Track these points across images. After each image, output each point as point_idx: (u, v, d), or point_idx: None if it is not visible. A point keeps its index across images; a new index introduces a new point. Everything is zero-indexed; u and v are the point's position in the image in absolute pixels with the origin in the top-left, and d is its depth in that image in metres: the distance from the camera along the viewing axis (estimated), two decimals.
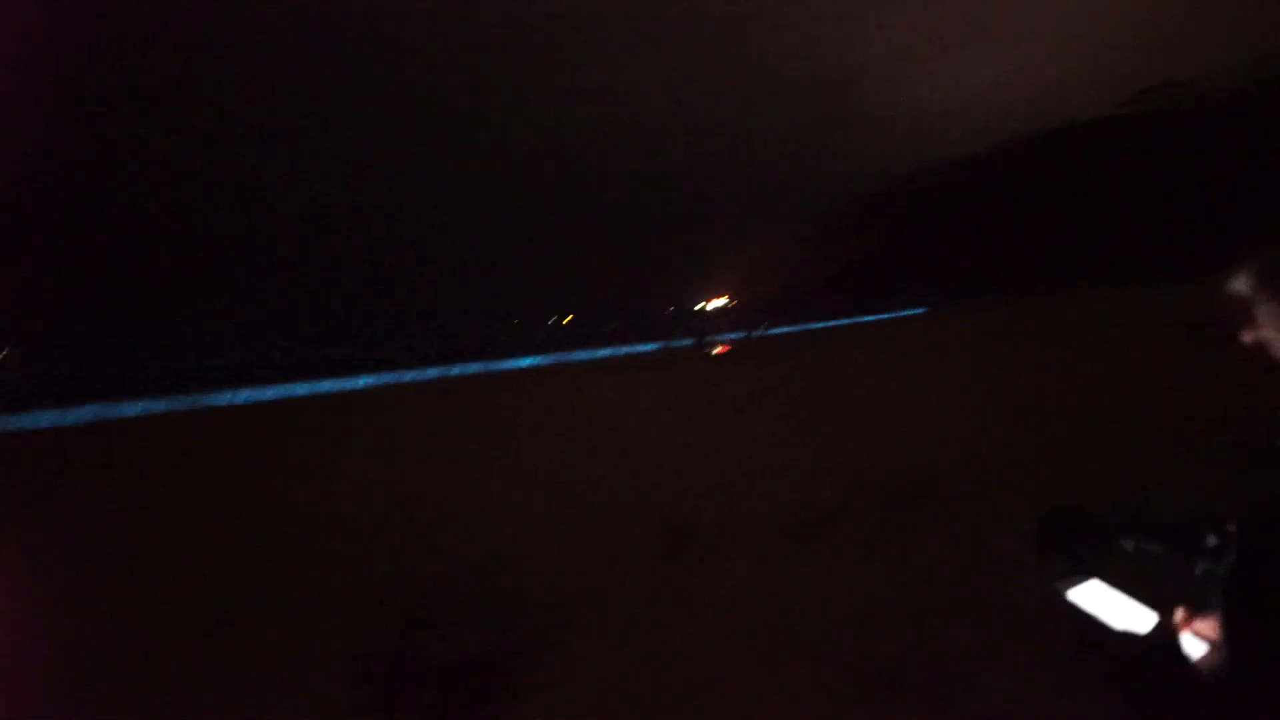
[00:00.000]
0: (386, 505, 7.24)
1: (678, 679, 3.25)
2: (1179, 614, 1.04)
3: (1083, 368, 11.49)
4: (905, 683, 3.00)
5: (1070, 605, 1.12)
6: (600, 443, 9.73)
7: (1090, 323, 19.72)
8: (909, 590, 3.89)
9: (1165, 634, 1.05)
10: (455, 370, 39.32)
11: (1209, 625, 1.00)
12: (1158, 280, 33.83)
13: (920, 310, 55.37)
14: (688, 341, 45.79)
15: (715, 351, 36.60)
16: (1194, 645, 1.02)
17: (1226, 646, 0.95)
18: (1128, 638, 1.09)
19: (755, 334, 49.78)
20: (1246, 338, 1.00)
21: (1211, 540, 0.99)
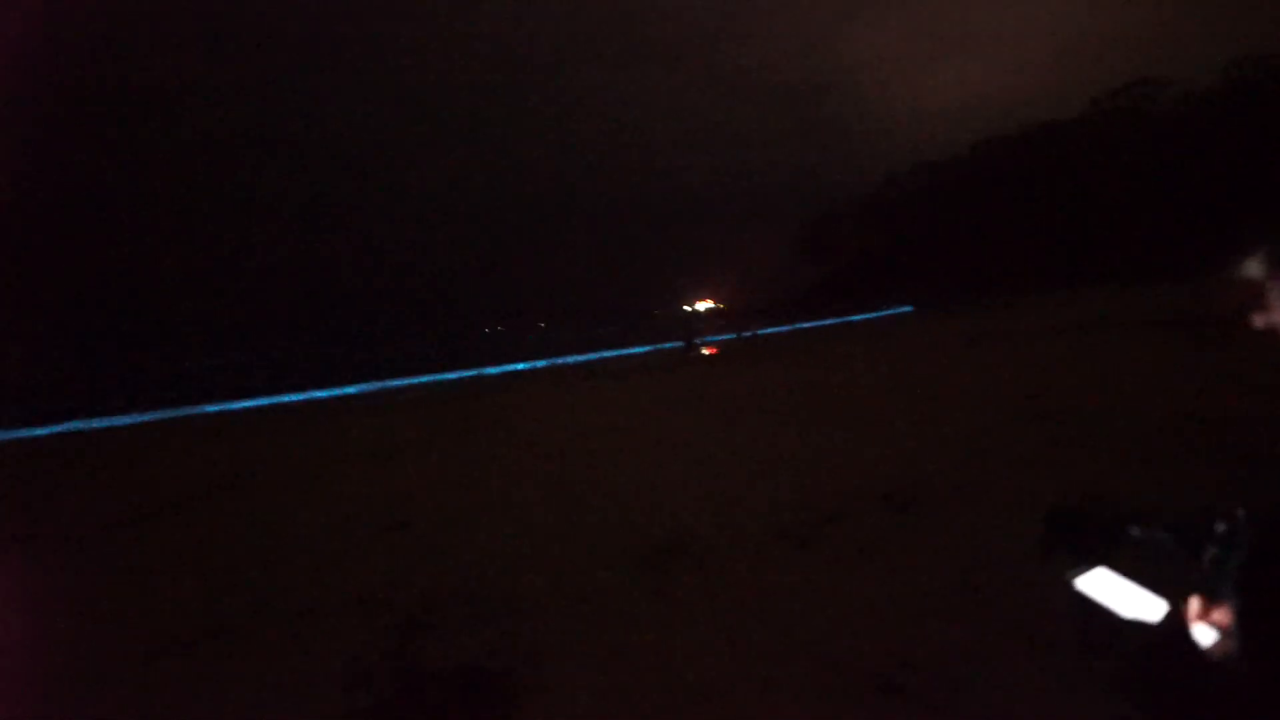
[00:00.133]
0: (382, 511, 7.25)
1: (675, 684, 3.28)
2: (1189, 602, 1.04)
3: (1075, 366, 11.56)
4: (903, 686, 3.04)
5: (1070, 605, 1.13)
6: (593, 445, 9.75)
7: (1082, 321, 19.80)
8: (906, 593, 3.93)
9: (1175, 622, 1.05)
10: (446, 375, 39.18)
11: (1219, 613, 1.00)
12: (1148, 279, 34.01)
13: (908, 309, 55.55)
14: (677, 343, 45.73)
15: (705, 352, 36.60)
16: (1204, 633, 1.01)
17: (1237, 634, 0.96)
18: (1136, 626, 1.07)
19: (744, 335, 49.77)
20: (1259, 323, 1.02)
21: (1220, 527, 1.01)
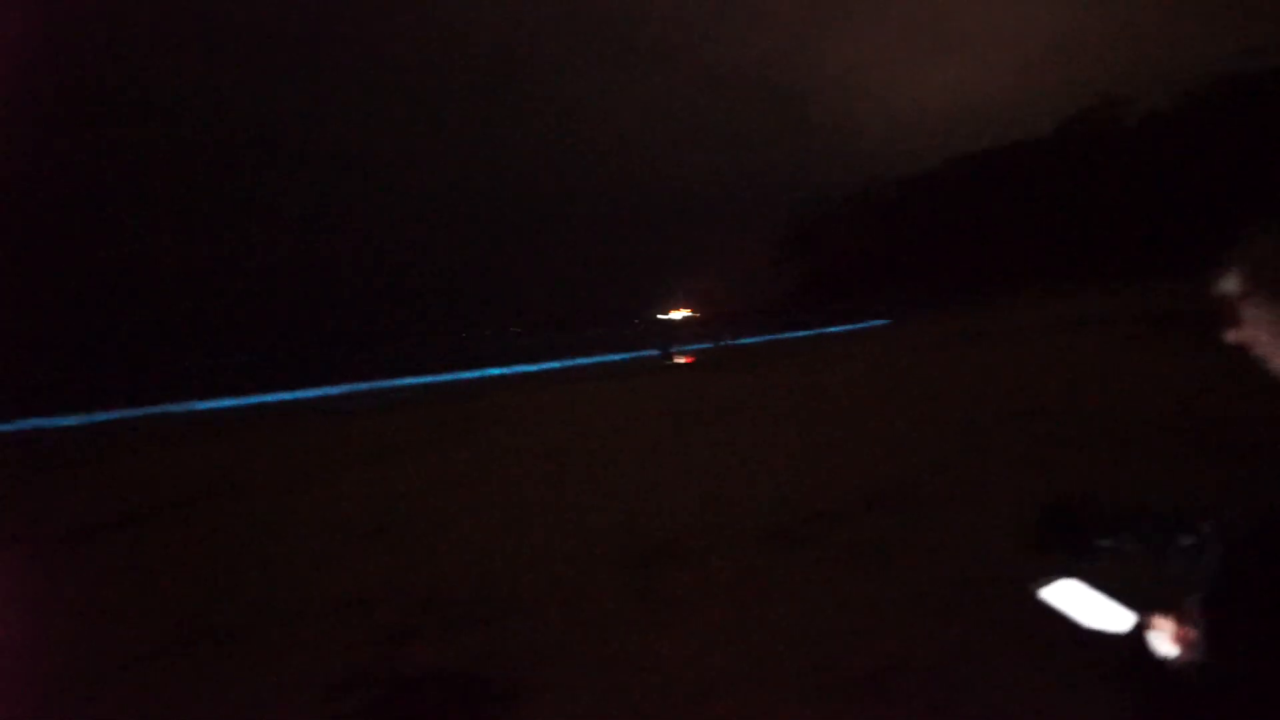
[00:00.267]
0: (371, 513, 7.19)
1: (668, 687, 3.28)
2: (1154, 613, 1.04)
3: (1065, 366, 11.73)
4: (896, 686, 3.04)
5: (1051, 605, 1.13)
6: (582, 449, 9.73)
7: (1062, 323, 20.04)
8: (898, 594, 3.94)
9: (1141, 633, 1.05)
10: (428, 380, 38.91)
11: (1184, 624, 1.00)
12: (1117, 283, 34.68)
13: (886, 321, 56.14)
14: (654, 351, 45.80)
15: (681, 361, 36.71)
16: (1168, 644, 1.01)
17: (1201, 645, 0.95)
18: (1103, 637, 1.08)
19: (721, 344, 50.00)
20: (1232, 337, 1.01)
21: (1186, 540, 1.03)
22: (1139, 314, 17.68)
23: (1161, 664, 1.01)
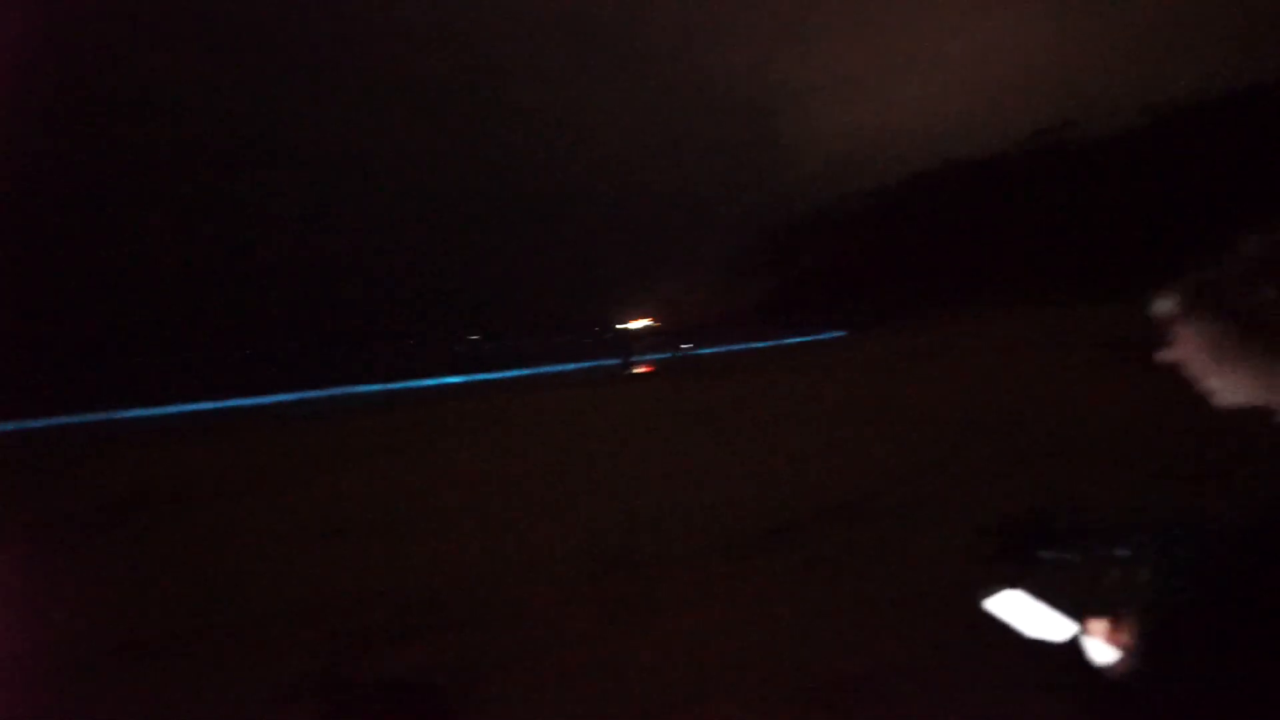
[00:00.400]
0: (321, 522, 7.06)
1: (624, 700, 3.26)
2: (1093, 621, 1.06)
3: (1004, 386, 12.05)
4: (850, 697, 3.07)
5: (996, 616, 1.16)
6: (535, 460, 9.66)
7: (1019, 342, 20.56)
8: (852, 605, 3.99)
9: (1080, 641, 1.08)
10: (383, 387, 38.28)
11: (1121, 632, 1.03)
12: (1073, 302, 35.63)
13: (844, 333, 56.98)
14: (614, 361, 45.81)
15: (639, 371, 36.75)
16: (1107, 651, 1.04)
17: (1139, 653, 0.98)
18: (1046, 646, 1.11)
19: (679, 354, 50.24)
20: (1167, 357, 1.04)
21: (1123, 551, 1.05)
22: (1093, 336, 18.19)
23: (1101, 671, 1.04)
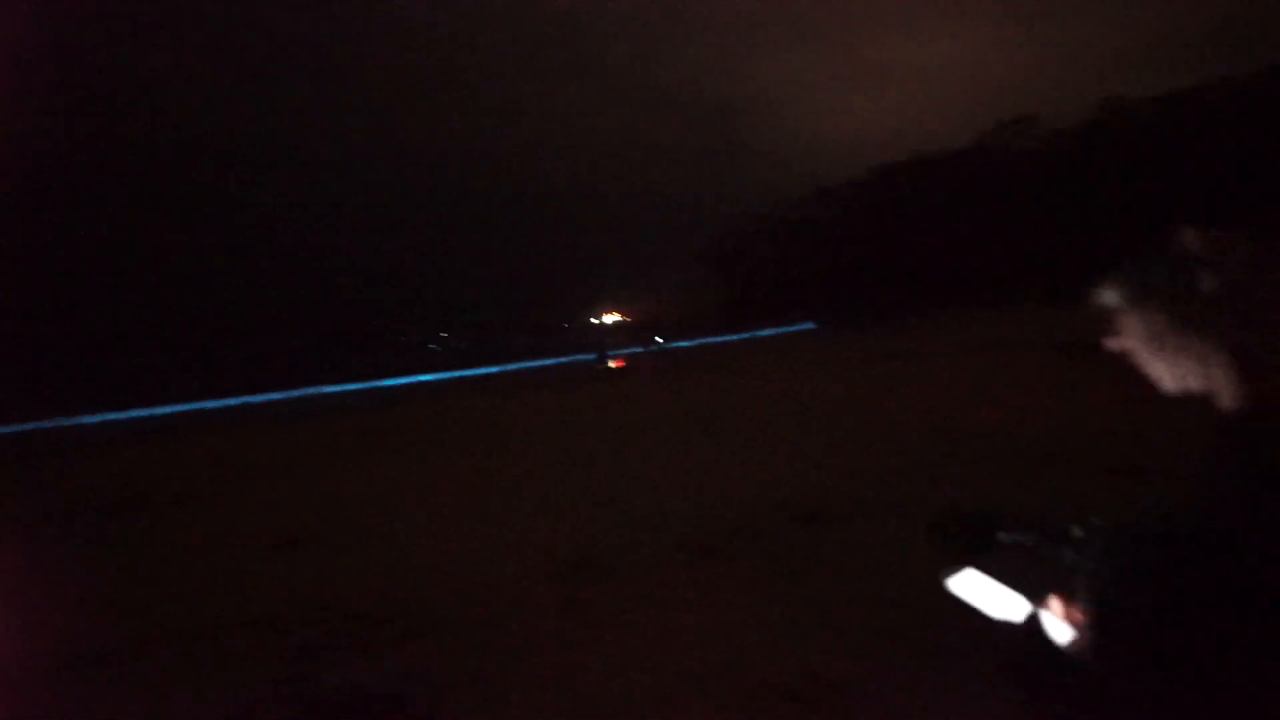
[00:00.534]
0: (278, 528, 6.92)
1: (581, 702, 3.19)
2: (1049, 601, 1.09)
3: (972, 385, 12.11)
4: (810, 696, 3.01)
5: (962, 607, 1.18)
6: (499, 460, 9.56)
7: (979, 342, 20.81)
8: (813, 604, 3.93)
9: (1037, 620, 1.10)
10: (346, 388, 37.80)
11: (1076, 611, 1.05)
12: (1031, 302, 36.22)
13: (810, 325, 57.57)
14: (586, 356, 45.80)
15: (612, 365, 36.77)
16: (1062, 630, 1.07)
17: (1091, 631, 1.01)
18: (1003, 625, 1.14)
19: (652, 348, 50.42)
20: (1113, 348, 1.10)
21: (1077, 533, 1.08)
22: (1046, 338, 18.52)
23: (1055, 648, 1.07)
